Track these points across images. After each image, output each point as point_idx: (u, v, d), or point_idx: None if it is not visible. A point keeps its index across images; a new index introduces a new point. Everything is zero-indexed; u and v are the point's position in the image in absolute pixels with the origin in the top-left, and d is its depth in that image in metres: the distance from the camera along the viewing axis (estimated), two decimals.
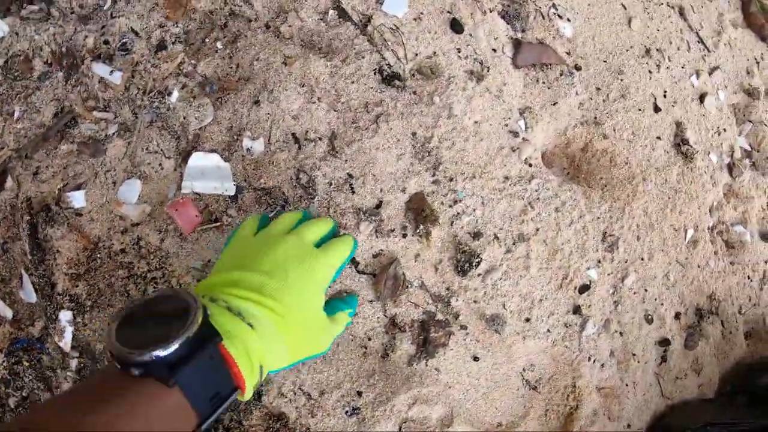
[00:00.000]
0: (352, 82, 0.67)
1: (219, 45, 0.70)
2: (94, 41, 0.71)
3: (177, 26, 0.70)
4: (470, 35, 0.76)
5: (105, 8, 0.72)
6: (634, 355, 0.80)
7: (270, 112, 0.66)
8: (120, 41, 0.70)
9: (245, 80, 0.68)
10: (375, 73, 0.69)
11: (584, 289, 0.74)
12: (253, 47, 0.69)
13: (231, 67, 0.70)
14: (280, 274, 0.36)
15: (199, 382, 0.28)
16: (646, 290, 0.81)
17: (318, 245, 0.45)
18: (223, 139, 0.67)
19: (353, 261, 0.62)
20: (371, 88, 0.68)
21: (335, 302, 0.47)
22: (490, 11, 0.78)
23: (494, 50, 0.76)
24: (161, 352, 0.27)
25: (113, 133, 0.68)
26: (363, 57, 0.68)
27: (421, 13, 0.75)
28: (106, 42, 0.71)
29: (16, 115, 0.70)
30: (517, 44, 0.78)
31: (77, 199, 0.67)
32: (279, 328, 0.34)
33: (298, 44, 0.70)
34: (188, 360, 0.28)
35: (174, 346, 0.27)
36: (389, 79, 0.69)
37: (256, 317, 0.33)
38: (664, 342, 0.83)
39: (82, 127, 0.69)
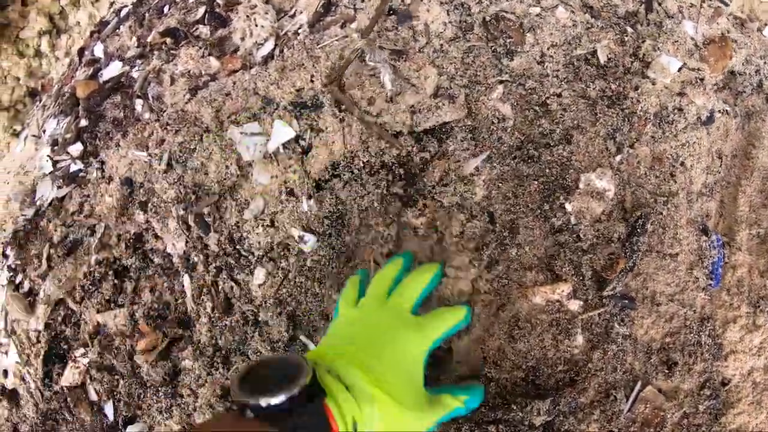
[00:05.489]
0: None
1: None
2: None
3: (712, 76, 0.61)
4: None
5: None
6: None
7: None
8: None
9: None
10: None
11: None
12: None
13: None
14: (374, 351, 0.40)
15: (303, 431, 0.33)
16: None
17: (420, 303, 0.46)
18: None
19: None
20: None
21: (453, 387, 0.45)
22: None
23: None
24: (273, 400, 0.32)
25: None
26: None
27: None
28: None
29: None
30: None
31: None
32: (372, 390, 0.38)
33: None
34: (297, 410, 0.32)
35: (282, 397, 0.32)
36: None
37: (352, 381, 0.38)
38: None
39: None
